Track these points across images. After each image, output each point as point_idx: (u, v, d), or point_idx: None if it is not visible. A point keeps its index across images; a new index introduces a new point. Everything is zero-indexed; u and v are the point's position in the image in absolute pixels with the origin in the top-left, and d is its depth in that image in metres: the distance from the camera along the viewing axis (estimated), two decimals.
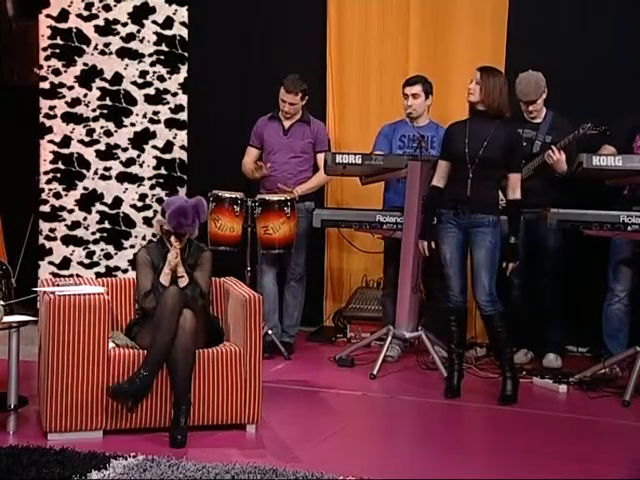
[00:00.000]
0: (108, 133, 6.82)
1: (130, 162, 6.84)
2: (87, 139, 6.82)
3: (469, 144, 5.05)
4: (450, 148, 5.18)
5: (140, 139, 6.83)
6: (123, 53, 6.80)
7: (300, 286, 6.21)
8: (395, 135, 6.06)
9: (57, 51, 6.78)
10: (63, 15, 6.78)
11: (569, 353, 6.08)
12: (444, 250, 5.17)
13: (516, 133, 5.23)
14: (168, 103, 6.82)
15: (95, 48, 6.80)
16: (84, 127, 6.81)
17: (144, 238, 6.83)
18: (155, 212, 6.79)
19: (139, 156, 6.84)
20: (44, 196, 6.82)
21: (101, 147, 6.83)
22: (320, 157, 6.17)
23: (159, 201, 6.81)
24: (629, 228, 5.13)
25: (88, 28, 6.79)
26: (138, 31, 6.80)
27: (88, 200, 6.84)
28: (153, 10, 6.79)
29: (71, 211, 6.84)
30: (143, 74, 6.81)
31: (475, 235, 5.07)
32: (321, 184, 6.27)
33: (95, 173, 6.84)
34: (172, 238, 4.60)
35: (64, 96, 6.80)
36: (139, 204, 6.85)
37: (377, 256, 6.56)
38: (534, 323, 5.92)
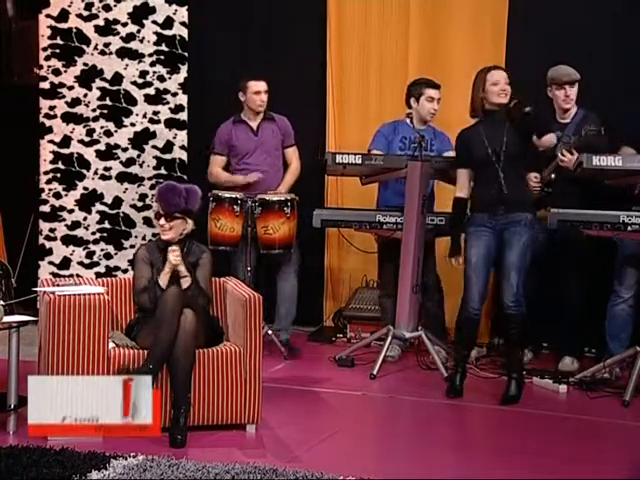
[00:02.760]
0: (108, 133, 6.82)
1: (130, 162, 6.84)
2: (87, 139, 6.82)
3: (490, 144, 5.05)
4: (470, 154, 5.17)
5: (140, 139, 6.83)
6: (123, 53, 6.80)
7: (293, 278, 6.15)
8: (395, 136, 6.04)
9: (57, 51, 6.78)
10: (63, 15, 6.78)
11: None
12: (471, 254, 5.12)
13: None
14: (168, 103, 6.82)
15: (95, 48, 6.79)
16: (84, 127, 6.81)
17: (144, 238, 6.83)
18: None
19: (139, 156, 6.84)
20: (44, 196, 6.82)
21: (101, 147, 6.83)
22: (288, 152, 6.19)
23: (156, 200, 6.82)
24: (629, 228, 5.13)
25: (88, 28, 6.79)
26: (138, 31, 6.79)
27: (88, 200, 6.84)
28: (153, 10, 6.79)
29: (71, 211, 6.84)
30: (143, 74, 6.80)
31: (510, 234, 5.03)
32: (295, 179, 6.24)
33: (95, 173, 6.84)
34: (161, 220, 4.61)
35: (64, 96, 6.80)
36: (139, 204, 6.85)
37: (377, 256, 6.56)
38: (551, 325, 5.89)
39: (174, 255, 4.55)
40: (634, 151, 5.41)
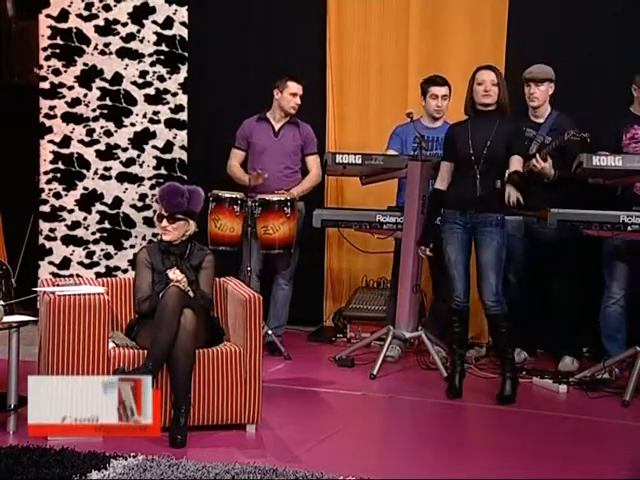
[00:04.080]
0: (108, 133, 6.82)
1: (130, 162, 6.84)
2: (87, 139, 6.82)
3: (473, 144, 5.06)
4: (454, 149, 5.19)
5: (140, 139, 6.83)
6: (123, 53, 6.80)
7: (288, 288, 6.17)
8: (409, 135, 6.02)
9: (57, 51, 6.79)
10: (63, 15, 6.78)
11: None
12: (449, 251, 5.16)
13: (517, 126, 5.27)
14: (168, 103, 6.82)
15: (95, 48, 6.80)
16: (84, 127, 6.82)
17: (144, 238, 6.83)
18: (155, 212, 6.78)
19: (139, 156, 6.84)
20: (44, 196, 6.82)
21: (101, 147, 6.83)
22: (309, 160, 6.18)
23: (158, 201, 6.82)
24: (629, 228, 5.14)
25: (88, 28, 6.79)
26: (138, 31, 6.79)
27: (88, 200, 6.84)
28: (153, 10, 6.79)
29: (71, 211, 6.84)
30: (143, 74, 6.81)
31: (482, 235, 5.07)
32: (313, 186, 6.24)
33: (95, 173, 6.84)
34: (163, 222, 4.61)
35: (64, 96, 6.81)
36: (139, 204, 6.85)
37: (377, 256, 6.56)
38: (548, 325, 5.89)
39: (177, 277, 4.49)
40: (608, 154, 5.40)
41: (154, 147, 6.83)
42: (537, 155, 5.54)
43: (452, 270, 5.17)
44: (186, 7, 6.80)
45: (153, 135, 6.83)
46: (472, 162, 5.06)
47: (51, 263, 6.85)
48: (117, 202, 6.84)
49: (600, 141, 5.46)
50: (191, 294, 4.49)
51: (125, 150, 6.83)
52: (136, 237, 6.86)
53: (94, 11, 6.79)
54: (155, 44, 6.80)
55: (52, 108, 6.80)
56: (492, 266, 5.05)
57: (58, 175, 6.82)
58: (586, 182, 5.49)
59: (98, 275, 6.67)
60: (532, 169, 5.52)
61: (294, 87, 6.06)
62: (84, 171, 6.84)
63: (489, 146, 5.04)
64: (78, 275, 6.57)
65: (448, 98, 6.01)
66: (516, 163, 5.06)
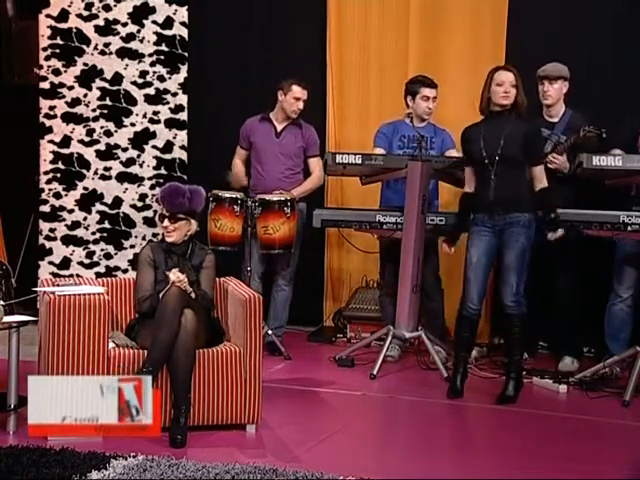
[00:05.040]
0: (108, 133, 6.82)
1: (130, 162, 6.84)
2: (87, 139, 6.82)
3: (485, 145, 5.05)
4: (468, 152, 5.21)
5: (140, 139, 6.83)
6: (123, 53, 6.80)
7: (289, 289, 6.18)
8: (395, 135, 6.05)
9: (57, 51, 6.79)
10: (63, 15, 6.78)
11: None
12: (471, 252, 5.13)
13: (533, 126, 5.27)
14: (168, 103, 6.82)
15: (95, 48, 6.80)
16: (84, 127, 6.81)
17: (144, 238, 6.83)
18: (155, 212, 6.79)
19: (139, 156, 6.83)
20: (44, 196, 6.82)
21: (101, 147, 6.83)
22: (311, 162, 6.18)
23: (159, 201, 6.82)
24: (629, 228, 5.14)
25: (88, 28, 6.79)
26: (138, 31, 6.79)
27: (88, 200, 6.84)
28: (153, 10, 6.79)
29: (71, 211, 6.84)
30: (143, 74, 6.81)
31: (508, 235, 5.04)
32: (315, 187, 6.24)
33: (95, 173, 6.84)
34: (165, 222, 4.61)
35: (64, 96, 6.81)
36: (139, 204, 6.85)
37: (377, 256, 6.54)
38: (548, 324, 5.89)
39: (178, 279, 4.48)
40: (622, 152, 5.40)
41: (154, 147, 6.83)
42: (554, 152, 5.54)
43: (470, 272, 5.13)
44: (186, 7, 6.80)
45: (153, 135, 6.83)
46: (487, 164, 5.05)
47: (51, 263, 6.85)
48: (117, 202, 6.84)
49: (614, 140, 5.45)
50: (193, 296, 4.49)
51: (125, 150, 6.83)
52: (136, 237, 6.86)
53: (94, 11, 6.79)
54: (155, 44, 6.80)
55: (52, 108, 6.80)
56: (514, 266, 5.02)
57: (58, 175, 6.82)
58: (584, 181, 5.49)
59: (98, 275, 6.66)
60: (549, 166, 5.52)
61: (298, 92, 6.04)
62: (84, 171, 6.84)
63: (502, 146, 5.02)
64: (78, 275, 6.57)
65: (436, 100, 6.01)
66: (539, 174, 5.12)
